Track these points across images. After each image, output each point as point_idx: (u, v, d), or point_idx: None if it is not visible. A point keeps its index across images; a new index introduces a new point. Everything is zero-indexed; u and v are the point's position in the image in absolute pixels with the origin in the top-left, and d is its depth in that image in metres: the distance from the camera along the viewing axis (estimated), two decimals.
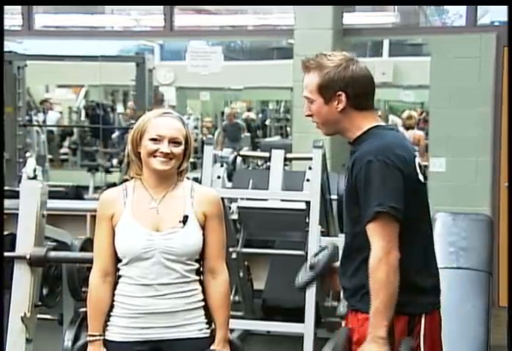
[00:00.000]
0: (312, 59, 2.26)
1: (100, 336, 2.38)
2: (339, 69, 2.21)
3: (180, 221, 2.36)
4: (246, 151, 9.14)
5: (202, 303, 2.42)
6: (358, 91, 2.23)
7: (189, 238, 2.37)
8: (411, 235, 2.19)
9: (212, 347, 2.39)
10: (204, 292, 2.43)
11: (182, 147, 2.39)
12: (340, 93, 2.22)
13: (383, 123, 2.31)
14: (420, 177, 2.23)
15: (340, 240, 4.31)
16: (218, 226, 2.44)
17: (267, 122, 14.25)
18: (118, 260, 2.39)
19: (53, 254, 3.43)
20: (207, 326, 2.42)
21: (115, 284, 2.40)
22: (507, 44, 5.39)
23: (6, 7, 6.13)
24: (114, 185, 2.41)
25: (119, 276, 2.40)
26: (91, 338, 2.38)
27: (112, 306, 2.39)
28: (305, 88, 2.28)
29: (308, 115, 2.31)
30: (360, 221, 2.17)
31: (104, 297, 2.38)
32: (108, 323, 2.39)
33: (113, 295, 2.39)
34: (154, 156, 2.35)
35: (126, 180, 2.50)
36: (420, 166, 2.24)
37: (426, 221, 2.28)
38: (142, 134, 2.37)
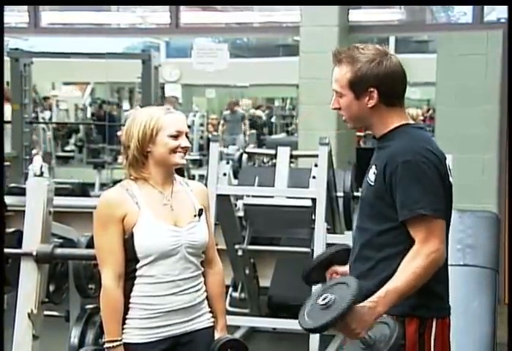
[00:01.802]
0: (344, 51, 2.17)
1: (121, 340, 2.32)
2: (372, 64, 2.12)
3: (195, 215, 2.40)
4: (251, 148, 9.15)
5: (206, 294, 2.47)
6: (391, 88, 2.15)
7: (205, 230, 2.43)
8: None
9: (220, 335, 2.45)
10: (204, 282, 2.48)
11: None
12: (372, 89, 2.13)
13: (412, 122, 2.23)
14: (451, 179, 2.19)
15: (345, 238, 4.34)
16: (209, 217, 2.52)
17: (273, 119, 14.25)
18: (127, 262, 2.34)
19: (59, 250, 3.43)
20: (211, 314, 2.47)
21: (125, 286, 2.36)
22: (507, 44, 5.38)
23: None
24: (120, 182, 2.39)
25: (133, 277, 2.35)
26: (113, 344, 2.31)
27: (126, 309, 2.35)
28: (335, 81, 2.18)
29: (335, 109, 2.23)
30: (390, 220, 2.10)
31: (121, 300, 2.33)
32: (124, 327, 2.34)
33: (125, 297, 2.35)
34: (175, 152, 2.35)
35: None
36: (449, 168, 2.19)
37: (447, 226, 2.18)
38: (157, 131, 2.33)
